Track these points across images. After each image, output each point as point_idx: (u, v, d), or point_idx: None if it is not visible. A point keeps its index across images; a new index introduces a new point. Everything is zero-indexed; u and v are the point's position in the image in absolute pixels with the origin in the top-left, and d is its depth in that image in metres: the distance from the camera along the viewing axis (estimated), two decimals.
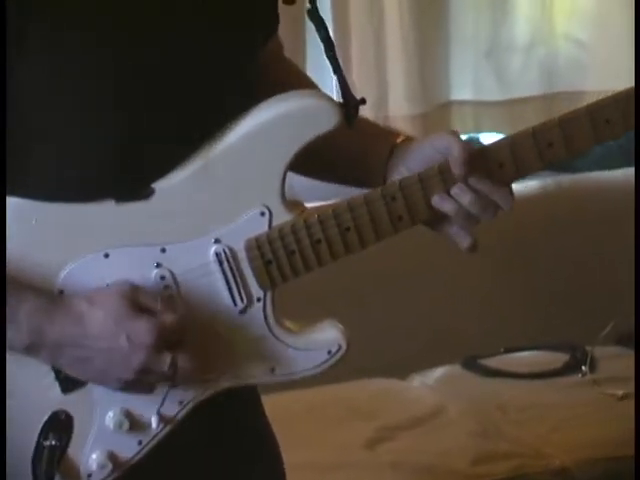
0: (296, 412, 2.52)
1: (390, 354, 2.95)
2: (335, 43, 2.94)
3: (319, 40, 1.43)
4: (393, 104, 3.20)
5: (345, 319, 2.86)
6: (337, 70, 1.42)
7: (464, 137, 1.60)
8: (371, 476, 2.43)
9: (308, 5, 1.40)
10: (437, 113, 3.22)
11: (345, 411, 2.67)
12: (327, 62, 1.43)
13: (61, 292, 1.31)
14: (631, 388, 2.64)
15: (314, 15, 1.40)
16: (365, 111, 3.25)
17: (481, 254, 3.04)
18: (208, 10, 1.35)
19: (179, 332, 1.29)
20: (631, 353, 2.83)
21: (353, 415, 2.66)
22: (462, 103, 3.28)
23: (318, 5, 1.40)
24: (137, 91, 1.31)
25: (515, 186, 3.38)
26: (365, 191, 1.40)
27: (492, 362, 2.92)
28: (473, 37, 3.27)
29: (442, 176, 1.38)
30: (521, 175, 1.42)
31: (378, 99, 3.19)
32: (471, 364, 2.91)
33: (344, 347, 1.43)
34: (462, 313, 3.10)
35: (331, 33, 1.67)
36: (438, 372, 2.90)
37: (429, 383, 2.86)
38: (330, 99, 1.36)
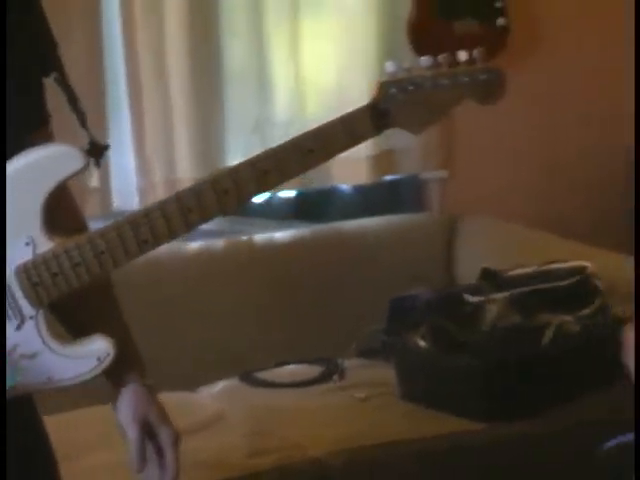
0: (100, 420, 2.53)
1: (182, 370, 2.97)
2: (134, 113, 2.93)
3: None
4: (180, 169, 3.24)
5: (144, 340, 2.83)
6: (84, 125, 1.49)
7: None
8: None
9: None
10: None
11: None
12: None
13: None
14: (372, 391, 2.77)
15: (62, 83, 1.47)
16: (156, 175, 3.31)
17: (258, 289, 3.15)
18: None
19: None
20: (371, 363, 2.94)
21: None
22: None
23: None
24: None
25: (284, 234, 3.46)
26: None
27: (265, 375, 2.95)
28: (243, 113, 3.32)
29: (179, 203, 1.44)
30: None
31: (168, 163, 3.22)
32: (247, 377, 2.94)
33: (112, 354, 1.45)
34: (240, 335, 3.13)
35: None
36: (220, 385, 2.91)
37: (213, 394, 2.87)
38: (76, 147, 1.41)
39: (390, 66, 1.69)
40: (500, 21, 3.39)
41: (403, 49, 3.29)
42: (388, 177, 3.57)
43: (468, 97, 1.70)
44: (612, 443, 1.58)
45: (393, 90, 1.67)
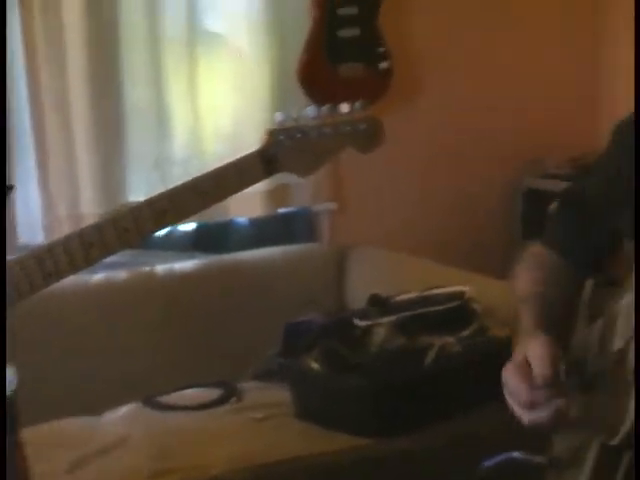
0: None
1: (87, 395, 2.96)
2: (38, 150, 2.89)
3: None
4: (84, 204, 3.21)
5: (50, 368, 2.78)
6: None
7: None
8: None
9: None
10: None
11: (54, 443, 2.63)
12: None
13: None
14: (268, 412, 2.75)
15: None
16: (61, 210, 3.26)
17: (160, 317, 3.13)
18: None
19: None
20: (267, 385, 2.94)
21: (60, 446, 2.63)
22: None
23: None
24: None
25: (185, 264, 3.45)
26: None
27: (166, 399, 2.92)
28: (144, 151, 3.32)
29: (81, 239, 1.45)
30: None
31: (72, 199, 3.21)
32: (150, 401, 2.91)
33: (15, 381, 1.45)
34: (143, 360, 3.14)
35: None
36: (124, 409, 2.89)
37: (117, 418, 2.85)
38: None
39: (279, 116, 1.78)
40: (383, 65, 3.47)
41: (295, 91, 3.33)
42: (282, 210, 3.60)
43: (349, 145, 1.78)
44: (492, 462, 1.61)
45: (281, 137, 1.75)
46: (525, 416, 1.49)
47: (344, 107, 1.80)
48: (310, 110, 1.79)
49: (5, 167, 1.35)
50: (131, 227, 1.51)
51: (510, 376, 1.52)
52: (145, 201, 1.57)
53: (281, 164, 1.75)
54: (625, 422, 1.29)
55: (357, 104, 1.80)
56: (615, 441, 1.31)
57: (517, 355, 1.54)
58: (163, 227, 1.61)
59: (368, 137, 1.81)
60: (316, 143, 1.76)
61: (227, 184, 1.67)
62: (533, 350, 1.50)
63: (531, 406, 1.48)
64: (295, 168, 1.77)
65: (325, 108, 1.79)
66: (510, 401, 1.51)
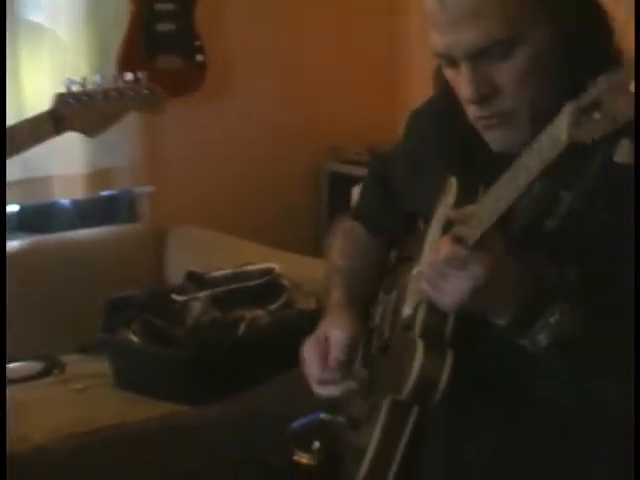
0: None
1: None
2: None
3: None
4: None
5: None
6: None
7: None
8: None
9: None
10: None
11: None
12: None
13: None
14: (89, 382, 2.73)
15: None
16: None
17: None
18: None
19: None
20: (88, 358, 2.90)
21: None
22: None
23: None
24: None
25: (9, 244, 3.31)
26: None
27: None
28: None
29: None
30: None
31: None
32: None
33: None
34: None
35: None
36: None
37: None
38: None
39: (68, 82, 1.93)
40: (199, 57, 3.45)
41: None
42: (104, 192, 3.52)
43: (133, 108, 1.94)
44: (300, 423, 1.61)
45: (70, 100, 1.90)
46: (317, 390, 1.50)
47: (129, 76, 1.95)
48: (97, 78, 1.94)
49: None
50: None
51: (308, 351, 1.52)
52: None
53: (69, 123, 1.88)
54: (408, 379, 1.30)
55: (140, 74, 1.94)
56: (402, 397, 1.32)
57: (320, 330, 1.55)
58: None
59: (150, 102, 1.95)
60: (102, 105, 1.90)
61: (21, 139, 1.81)
62: (334, 332, 1.52)
63: (322, 383, 1.48)
64: (83, 127, 1.90)
65: (111, 76, 1.96)
66: (306, 373, 1.52)
